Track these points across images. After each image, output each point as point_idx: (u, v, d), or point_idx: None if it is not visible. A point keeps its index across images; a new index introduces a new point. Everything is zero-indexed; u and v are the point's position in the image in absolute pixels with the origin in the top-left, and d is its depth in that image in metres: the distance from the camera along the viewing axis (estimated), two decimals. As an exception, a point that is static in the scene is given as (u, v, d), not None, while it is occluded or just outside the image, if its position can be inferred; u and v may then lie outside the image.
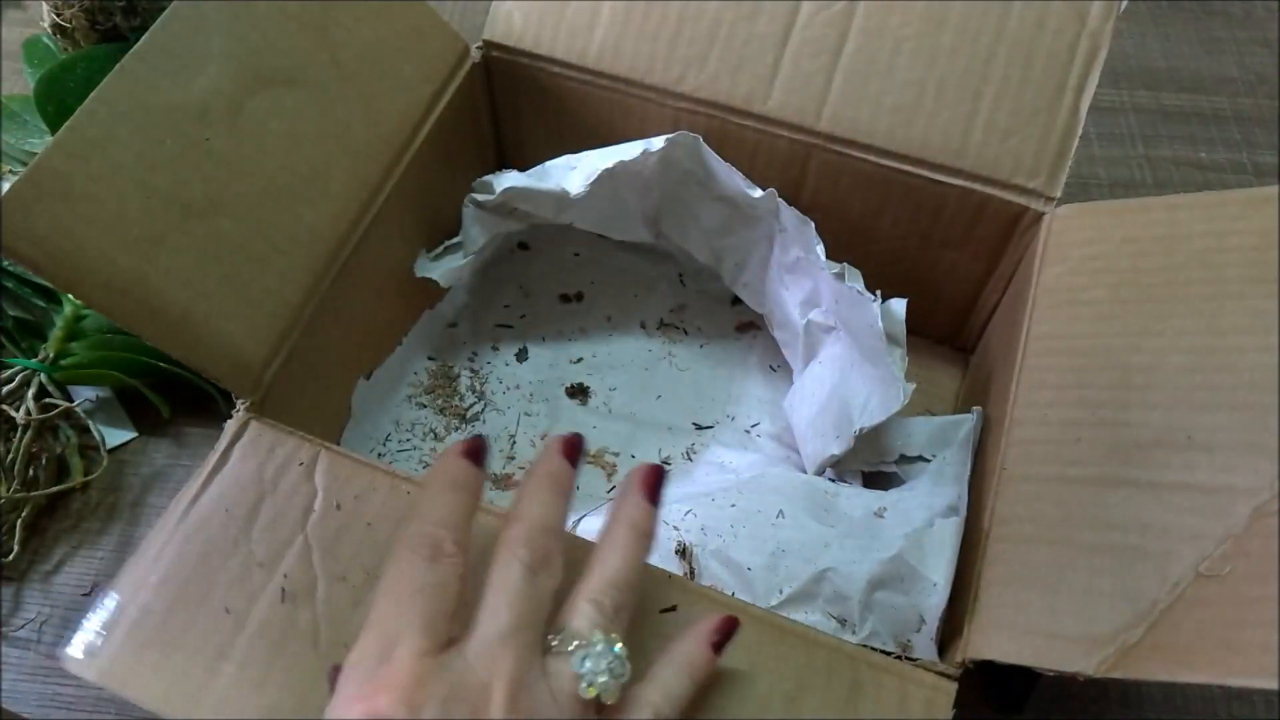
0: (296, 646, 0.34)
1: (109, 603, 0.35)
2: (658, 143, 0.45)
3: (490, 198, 0.50)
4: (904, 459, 0.44)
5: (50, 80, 0.55)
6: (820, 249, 0.44)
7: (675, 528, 0.43)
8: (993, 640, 0.34)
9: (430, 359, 0.54)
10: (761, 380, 0.52)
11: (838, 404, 0.45)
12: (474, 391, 0.53)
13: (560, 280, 0.57)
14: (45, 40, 0.63)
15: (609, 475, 0.50)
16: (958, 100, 0.44)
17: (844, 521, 0.42)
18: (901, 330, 0.43)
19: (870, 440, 0.44)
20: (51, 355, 0.53)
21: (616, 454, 0.50)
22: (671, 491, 0.46)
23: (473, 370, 0.54)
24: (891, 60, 0.45)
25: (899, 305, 0.43)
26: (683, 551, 0.42)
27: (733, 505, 0.43)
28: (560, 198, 0.48)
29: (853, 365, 0.45)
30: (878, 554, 0.40)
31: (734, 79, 0.46)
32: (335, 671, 0.30)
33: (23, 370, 0.52)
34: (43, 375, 0.53)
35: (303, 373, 0.43)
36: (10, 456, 0.51)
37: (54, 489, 0.52)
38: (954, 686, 0.34)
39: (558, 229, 0.56)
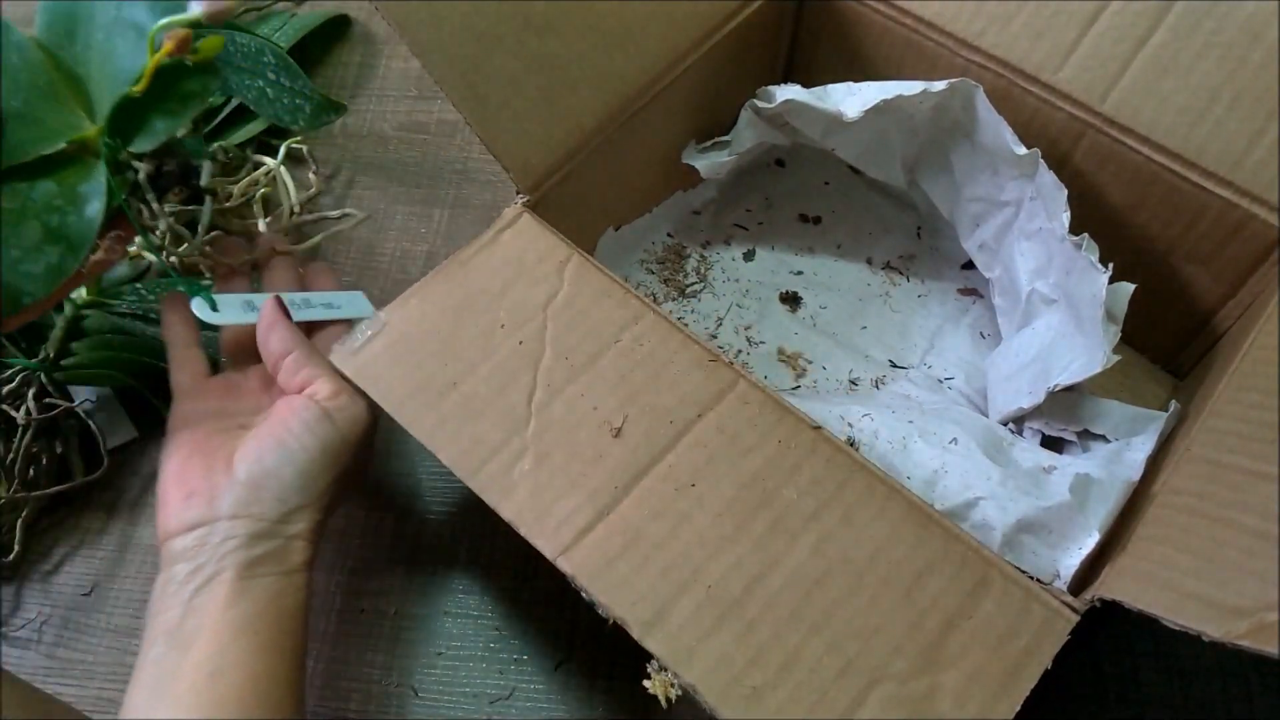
0: (513, 397, 0.40)
1: (381, 317, 0.42)
2: (939, 85, 0.48)
3: (769, 106, 0.54)
4: (1088, 433, 0.46)
5: None
6: (1065, 217, 0.45)
7: (850, 424, 0.46)
8: (1128, 586, 0.35)
9: (669, 235, 0.59)
10: (969, 343, 0.54)
11: (1039, 366, 0.46)
12: (698, 274, 0.58)
13: (804, 201, 0.60)
14: None
15: (797, 375, 0.53)
16: (1250, 115, 0.45)
17: (1012, 466, 0.44)
18: (1122, 311, 0.44)
19: (1061, 403, 0.45)
20: (51, 355, 0.52)
21: (810, 361, 0.54)
22: (852, 401, 0.49)
23: (702, 255, 0.58)
24: (1194, 63, 0.46)
25: (1126, 287, 0.44)
26: (851, 445, 0.45)
27: (910, 422, 0.46)
28: (833, 119, 0.51)
29: (1064, 335, 0.46)
30: (1036, 500, 0.42)
31: (1033, 44, 0.48)
32: None
33: (23, 370, 0.52)
34: (43, 375, 0.52)
35: (571, 197, 0.49)
36: (11, 456, 0.51)
37: (54, 489, 0.52)
38: (1075, 618, 0.35)
39: (816, 155, 0.60)
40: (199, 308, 0.46)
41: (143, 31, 0.43)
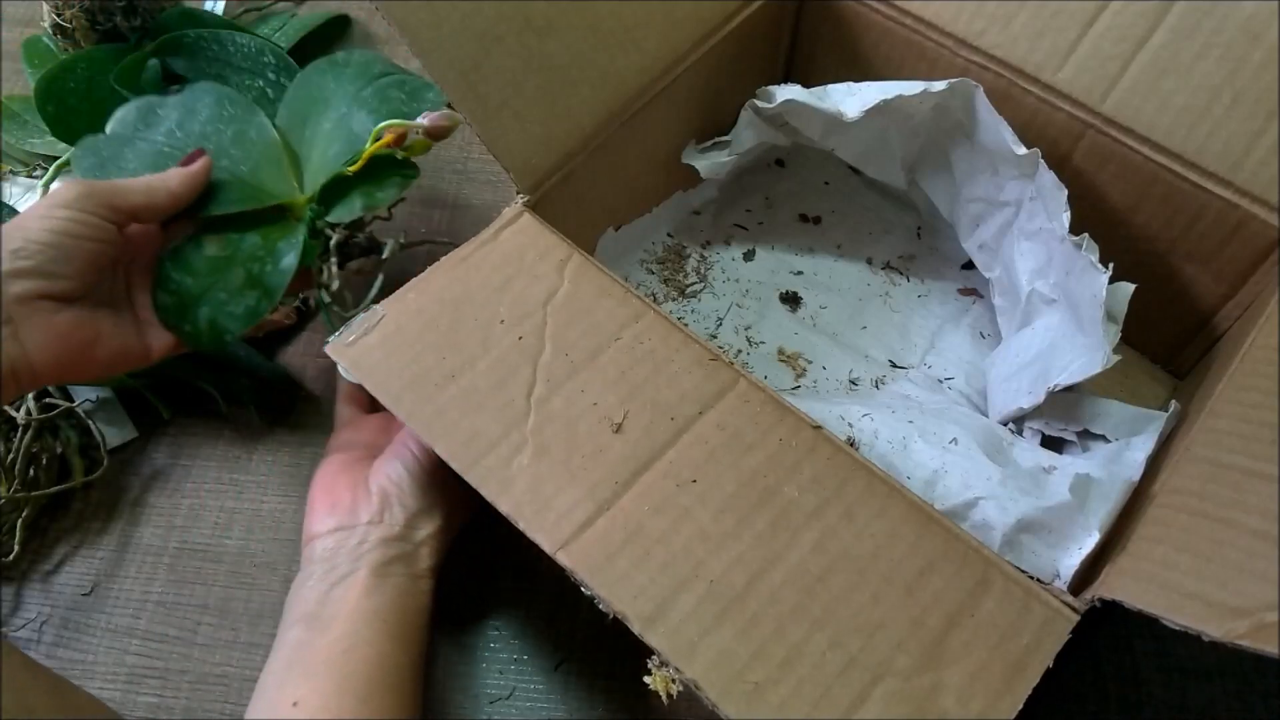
0: (511, 391, 0.40)
1: (377, 311, 0.42)
2: (939, 85, 0.48)
3: (769, 106, 0.54)
4: (1088, 433, 0.46)
5: (50, 80, 0.56)
6: (1065, 217, 0.45)
7: (850, 424, 0.46)
8: (1128, 586, 0.35)
9: (669, 235, 0.59)
10: (969, 343, 0.54)
11: (1039, 366, 0.46)
12: (698, 273, 0.58)
13: (804, 201, 0.60)
14: (45, 40, 0.63)
15: (797, 375, 0.53)
16: (1250, 115, 0.45)
17: (1012, 466, 0.44)
18: (1122, 311, 0.44)
19: (1061, 403, 0.45)
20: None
21: (810, 361, 0.54)
22: (852, 401, 0.49)
23: (702, 256, 0.58)
24: (1193, 63, 0.46)
25: (1126, 287, 0.44)
26: (851, 444, 0.45)
27: (910, 422, 0.46)
28: (833, 120, 0.51)
29: (1064, 335, 0.46)
30: (1037, 500, 0.42)
31: (1033, 44, 0.48)
32: None
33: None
34: None
35: (571, 197, 0.49)
36: (11, 456, 0.51)
37: (55, 489, 0.52)
38: (1075, 617, 0.35)
39: (815, 155, 0.60)
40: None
41: (360, 133, 0.51)
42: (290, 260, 0.49)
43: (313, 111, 0.53)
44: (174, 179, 0.47)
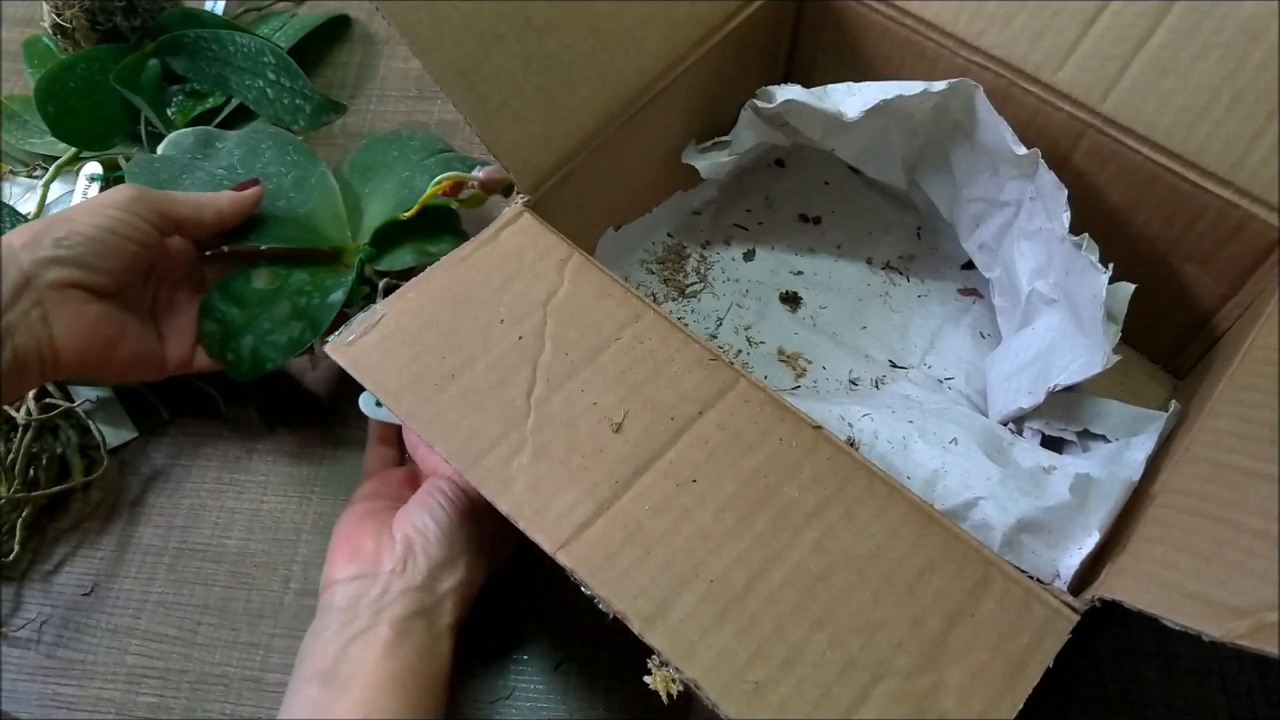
0: (511, 391, 0.40)
1: (377, 310, 0.42)
2: (939, 85, 0.48)
3: (769, 106, 0.54)
4: (1088, 433, 0.46)
5: (50, 80, 0.57)
6: (1065, 217, 0.45)
7: (850, 424, 0.46)
8: (1128, 586, 0.35)
9: (669, 235, 0.59)
10: (969, 343, 0.54)
11: (1039, 366, 0.46)
12: (698, 273, 0.58)
13: (804, 202, 0.60)
14: (45, 40, 0.64)
15: (797, 375, 0.53)
16: (1250, 115, 0.45)
17: (1012, 466, 0.44)
18: (1122, 311, 0.44)
19: (1060, 403, 0.45)
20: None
21: (810, 361, 0.54)
22: (852, 401, 0.49)
23: (702, 256, 0.58)
24: (1193, 63, 0.46)
25: (1126, 287, 0.44)
26: (851, 444, 0.45)
27: (910, 422, 0.46)
28: (833, 120, 0.51)
29: (1064, 335, 0.46)
30: (1037, 500, 0.42)
31: (1033, 44, 0.48)
32: None
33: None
34: None
35: (572, 197, 0.49)
36: (11, 456, 0.52)
37: (55, 489, 0.52)
38: (1075, 617, 0.35)
39: (816, 155, 0.60)
40: (364, 403, 0.52)
41: (415, 193, 0.54)
42: (338, 296, 0.51)
43: (375, 174, 0.57)
44: (224, 199, 0.50)
